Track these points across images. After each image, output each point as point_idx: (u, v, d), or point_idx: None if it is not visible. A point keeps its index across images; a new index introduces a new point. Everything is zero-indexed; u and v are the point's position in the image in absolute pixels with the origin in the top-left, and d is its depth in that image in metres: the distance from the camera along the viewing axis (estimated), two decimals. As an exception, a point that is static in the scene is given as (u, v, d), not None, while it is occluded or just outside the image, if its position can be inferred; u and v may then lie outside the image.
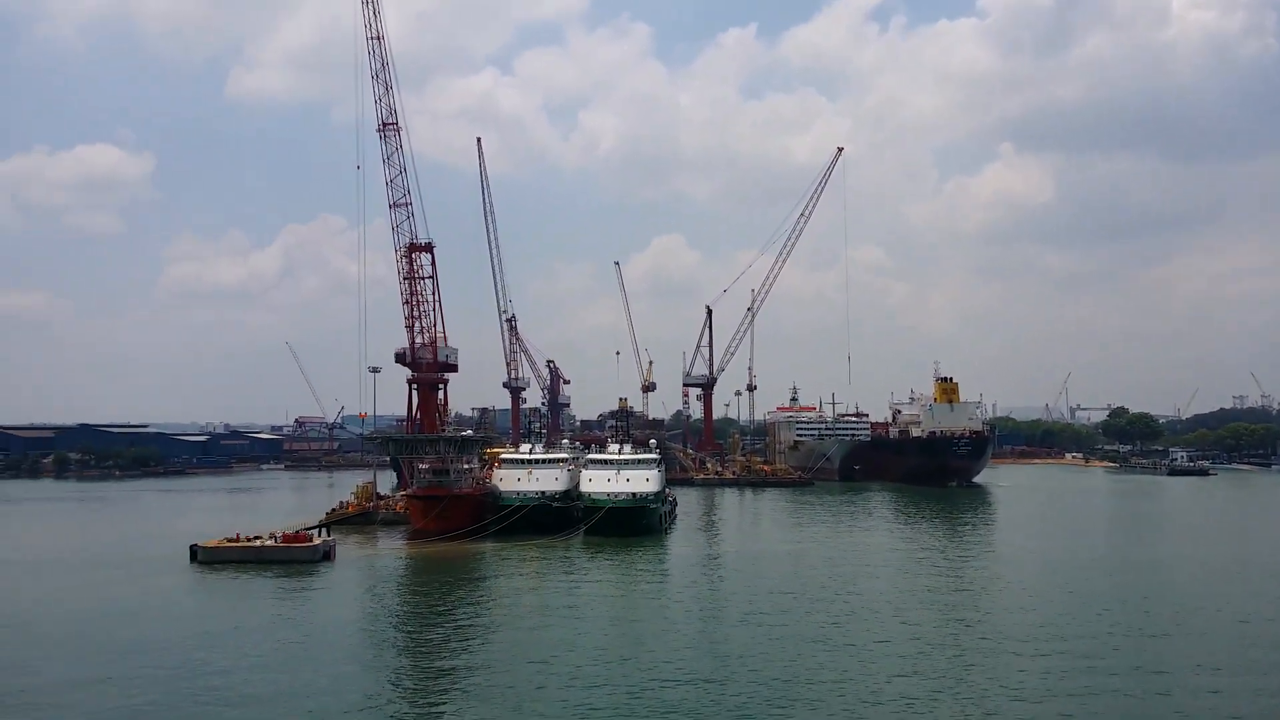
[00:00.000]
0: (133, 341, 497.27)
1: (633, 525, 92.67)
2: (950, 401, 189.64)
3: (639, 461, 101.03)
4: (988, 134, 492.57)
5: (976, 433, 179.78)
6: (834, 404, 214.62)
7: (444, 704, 37.88)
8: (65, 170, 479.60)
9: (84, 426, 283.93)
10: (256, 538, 78.18)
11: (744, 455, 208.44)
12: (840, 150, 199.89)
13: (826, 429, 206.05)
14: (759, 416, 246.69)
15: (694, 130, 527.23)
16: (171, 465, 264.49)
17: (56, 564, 77.53)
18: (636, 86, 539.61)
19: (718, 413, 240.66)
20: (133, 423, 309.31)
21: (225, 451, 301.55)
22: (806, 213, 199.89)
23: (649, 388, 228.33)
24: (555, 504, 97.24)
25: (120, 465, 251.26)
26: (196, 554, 75.35)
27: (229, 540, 77.85)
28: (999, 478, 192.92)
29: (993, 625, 51.54)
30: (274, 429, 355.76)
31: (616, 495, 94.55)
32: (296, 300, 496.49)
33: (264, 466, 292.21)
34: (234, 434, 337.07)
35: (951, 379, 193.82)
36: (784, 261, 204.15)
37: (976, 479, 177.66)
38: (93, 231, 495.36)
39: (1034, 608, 56.85)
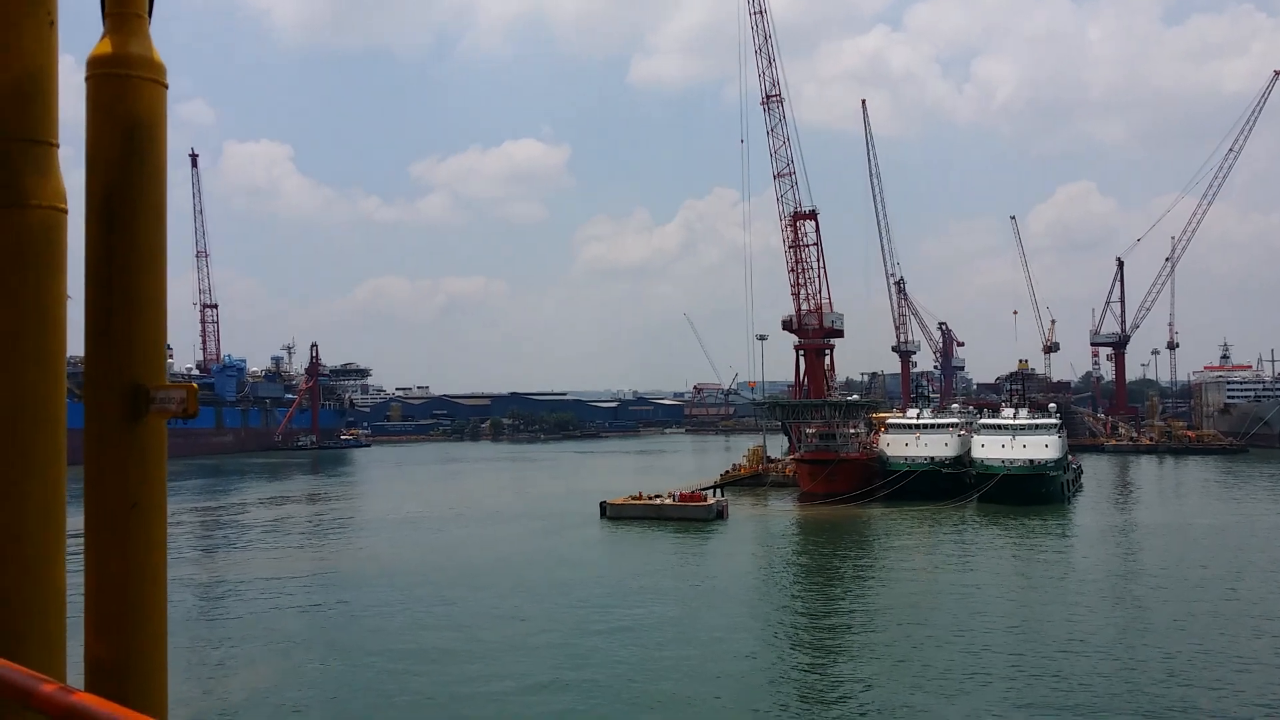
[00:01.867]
0: (554, 317, 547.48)
1: (1030, 493, 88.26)
2: None
3: (1036, 426, 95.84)
4: None
5: None
6: (1274, 361, 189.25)
7: (830, 661, 38.93)
8: (495, 166, 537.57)
9: (514, 395, 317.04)
10: (657, 496, 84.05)
11: (1163, 420, 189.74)
12: (1278, 73, 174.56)
13: (1265, 389, 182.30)
14: (1181, 377, 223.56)
15: (1104, 67, 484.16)
16: (587, 429, 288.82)
17: (495, 516, 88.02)
18: (1037, 26, 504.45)
19: (1133, 374, 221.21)
20: (555, 390, 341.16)
21: (633, 416, 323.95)
22: (1237, 147, 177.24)
23: (1051, 348, 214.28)
24: (945, 470, 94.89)
25: (544, 429, 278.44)
26: (605, 510, 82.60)
27: (633, 498, 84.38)
28: None
29: None
30: (676, 395, 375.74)
31: (1011, 462, 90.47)
32: (696, 272, 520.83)
33: (667, 430, 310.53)
34: (640, 400, 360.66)
35: None
36: (1210, 203, 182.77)
37: None
38: (520, 219, 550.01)
39: None
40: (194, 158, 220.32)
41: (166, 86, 4.33)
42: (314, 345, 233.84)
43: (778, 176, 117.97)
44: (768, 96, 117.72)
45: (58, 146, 4.27)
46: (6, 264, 4.13)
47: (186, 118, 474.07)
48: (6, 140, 4.15)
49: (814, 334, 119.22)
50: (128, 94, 4.19)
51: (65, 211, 4.26)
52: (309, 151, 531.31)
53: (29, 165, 4.15)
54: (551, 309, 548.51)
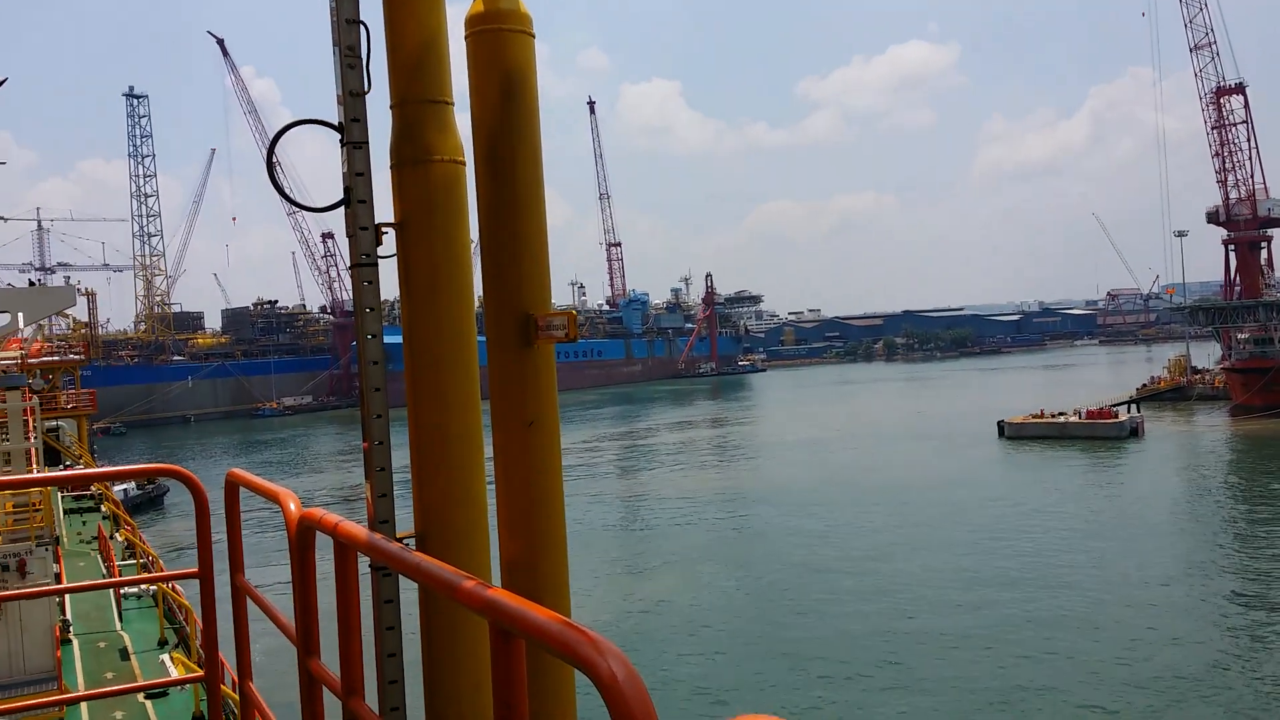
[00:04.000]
0: (948, 228, 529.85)
1: None
2: None
3: None
4: None
5: None
6: None
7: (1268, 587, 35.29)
8: (879, 74, 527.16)
9: (907, 313, 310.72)
10: (1060, 414, 79.45)
11: None
12: None
13: None
14: None
15: None
16: (986, 345, 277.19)
17: (888, 436, 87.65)
18: None
19: None
20: (950, 306, 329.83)
21: (1037, 329, 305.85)
22: None
23: None
24: None
25: (940, 347, 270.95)
26: (1003, 429, 79.42)
27: (1034, 416, 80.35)
28: None
29: None
30: (1088, 304, 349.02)
31: None
32: (1106, 167, 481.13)
33: (1077, 343, 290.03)
34: (1046, 311, 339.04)
35: None
36: None
37: None
38: (908, 128, 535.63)
39: None
40: (591, 105, 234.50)
41: (534, 36, 4.57)
42: (709, 275, 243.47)
43: (1194, 49, 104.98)
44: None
45: (453, 104, 4.70)
46: (419, 214, 4.61)
47: (585, 66, 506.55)
48: (411, 103, 4.61)
49: (1246, 225, 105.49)
50: (501, 47, 4.48)
51: (463, 164, 4.67)
52: (696, 85, 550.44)
53: (431, 124, 4.59)
54: (946, 220, 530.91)
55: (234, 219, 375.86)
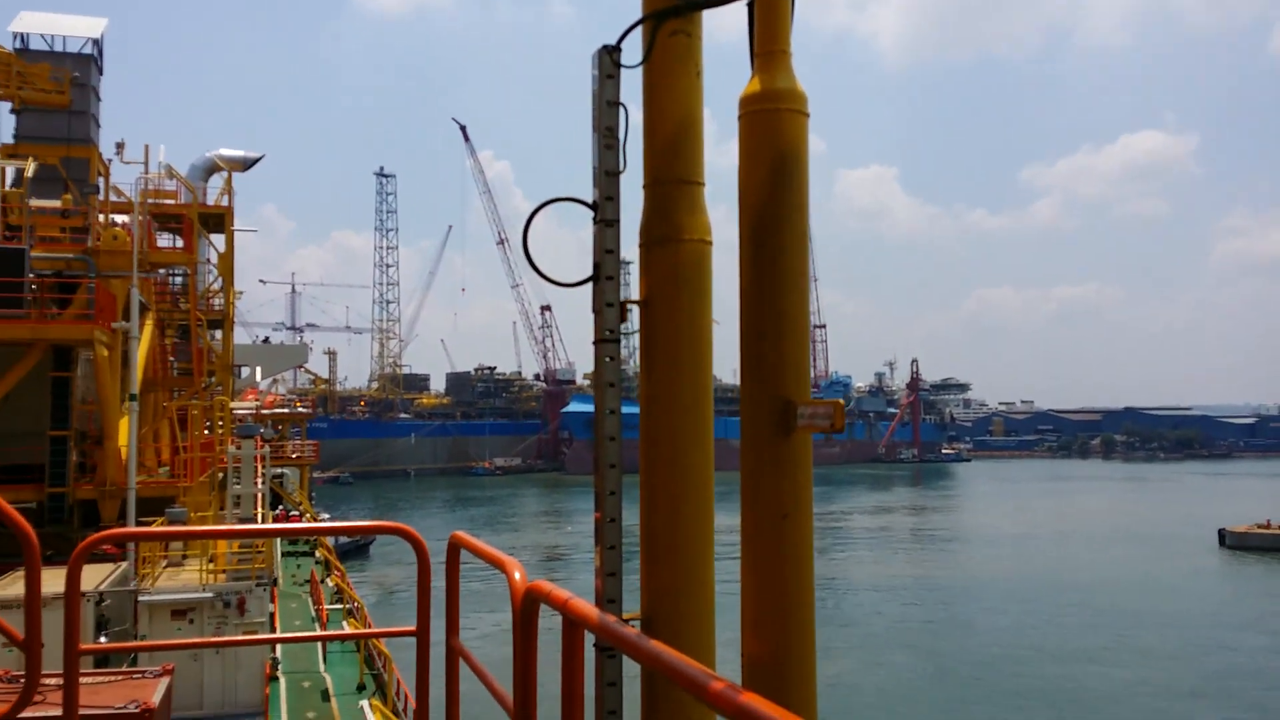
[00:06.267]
0: (1179, 322, 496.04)
1: None
2: None
3: None
4: None
5: None
6: None
7: None
8: (1109, 163, 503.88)
9: (1128, 409, 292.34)
10: (1286, 523, 74.11)
11: None
12: None
13: None
14: None
15: None
16: (1216, 448, 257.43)
17: (1098, 538, 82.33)
18: None
19: None
20: (1177, 405, 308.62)
21: (1275, 434, 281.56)
22: None
23: None
24: None
25: (1164, 448, 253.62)
26: (1224, 538, 74.39)
27: (1260, 526, 75.13)
28: None
29: None
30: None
31: None
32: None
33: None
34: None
35: None
36: None
37: None
38: (1138, 218, 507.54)
39: None
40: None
41: (808, 115, 4.48)
42: (914, 361, 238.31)
43: None
44: None
45: (704, 185, 4.68)
46: (665, 292, 4.58)
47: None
48: (664, 183, 4.63)
49: None
50: (775, 126, 4.41)
51: (710, 244, 4.63)
52: (915, 171, 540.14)
53: (682, 204, 4.60)
54: (1175, 314, 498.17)
55: (463, 289, 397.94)
